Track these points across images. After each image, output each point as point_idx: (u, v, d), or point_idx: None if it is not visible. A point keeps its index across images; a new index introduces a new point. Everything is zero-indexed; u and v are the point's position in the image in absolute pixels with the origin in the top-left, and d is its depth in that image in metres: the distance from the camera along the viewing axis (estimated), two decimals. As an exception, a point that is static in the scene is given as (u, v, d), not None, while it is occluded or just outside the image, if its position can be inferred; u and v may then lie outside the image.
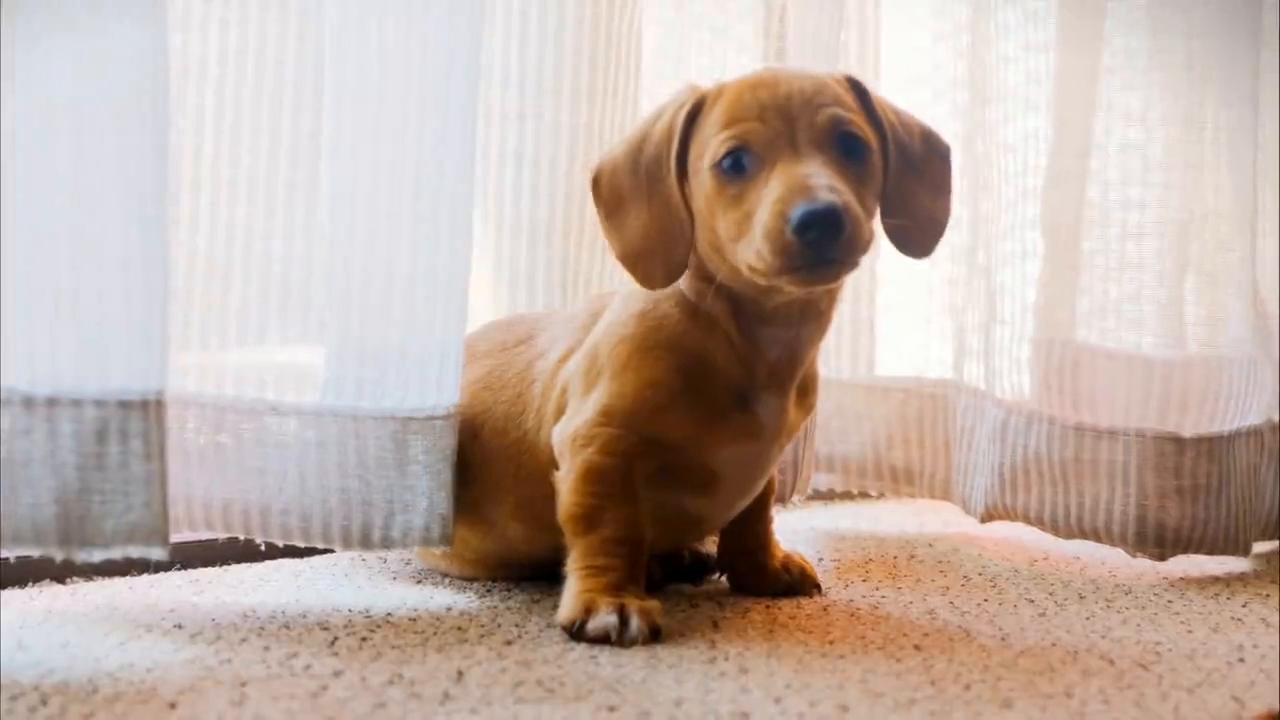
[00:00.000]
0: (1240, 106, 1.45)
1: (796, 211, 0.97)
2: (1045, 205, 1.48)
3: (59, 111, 0.95)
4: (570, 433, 1.09)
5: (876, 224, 1.08)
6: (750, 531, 1.22)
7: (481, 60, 1.16)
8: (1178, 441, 1.38)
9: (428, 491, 1.13)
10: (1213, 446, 1.39)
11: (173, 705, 0.85)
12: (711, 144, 1.04)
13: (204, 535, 1.19)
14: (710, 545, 1.29)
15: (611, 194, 1.10)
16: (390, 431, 1.12)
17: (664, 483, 1.11)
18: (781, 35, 1.50)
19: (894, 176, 1.09)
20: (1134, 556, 1.40)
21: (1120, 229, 1.46)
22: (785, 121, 1.02)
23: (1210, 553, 1.39)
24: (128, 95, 0.96)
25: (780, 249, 0.98)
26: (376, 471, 1.12)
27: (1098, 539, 1.41)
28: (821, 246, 0.97)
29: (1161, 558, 1.39)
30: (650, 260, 1.08)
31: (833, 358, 1.61)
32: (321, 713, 0.85)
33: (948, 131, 1.57)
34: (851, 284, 1.61)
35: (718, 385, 1.09)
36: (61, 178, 0.95)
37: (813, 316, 1.10)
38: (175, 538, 1.22)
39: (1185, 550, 1.38)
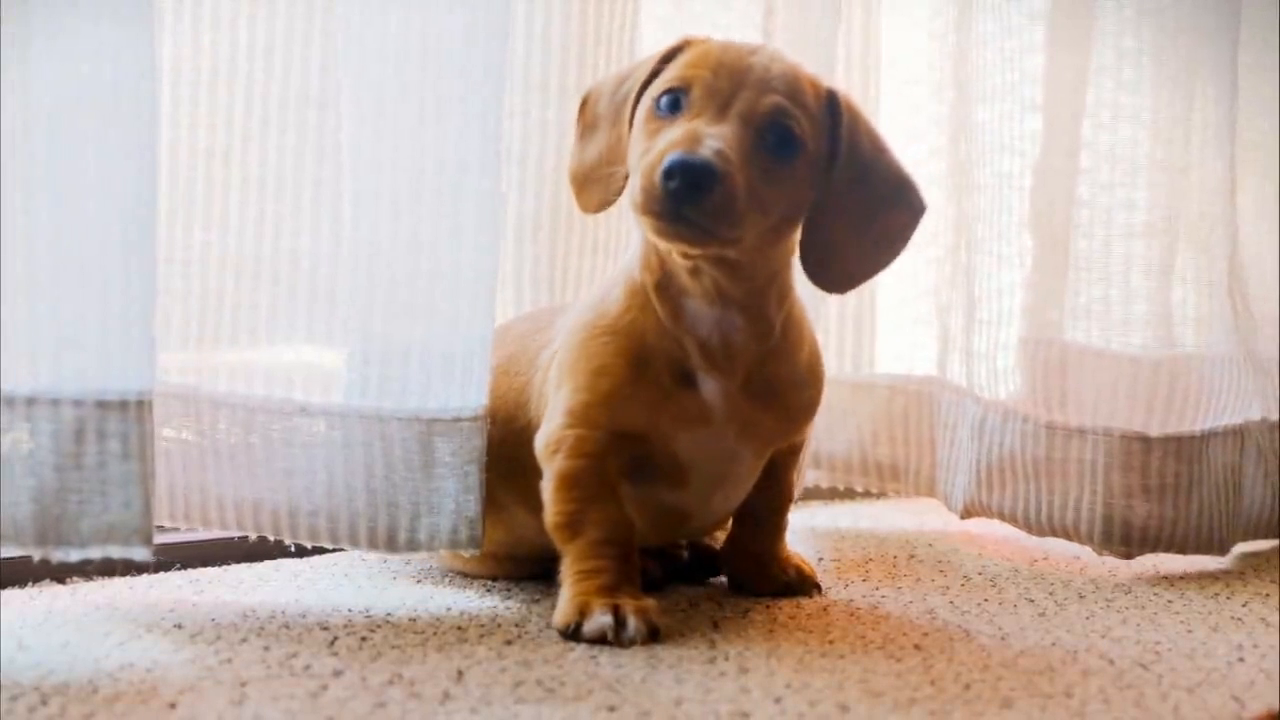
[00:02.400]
0: (1228, 104, 1.45)
1: (670, 157, 0.98)
2: (1033, 205, 1.48)
3: (39, 110, 0.94)
4: (545, 440, 1.10)
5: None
6: (761, 534, 1.22)
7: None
8: (1145, 440, 1.38)
9: (454, 494, 1.13)
10: (1181, 446, 1.38)
11: (173, 705, 0.85)
12: (660, 80, 1.06)
13: (229, 534, 1.20)
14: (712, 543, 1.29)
15: (591, 116, 1.13)
16: (415, 433, 1.12)
17: (639, 478, 1.11)
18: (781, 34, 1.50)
19: (832, 202, 1.07)
20: (1100, 555, 1.40)
21: (1105, 227, 1.45)
22: (732, 86, 1.03)
23: (1182, 552, 1.38)
24: (111, 93, 0.96)
25: (646, 188, 0.99)
26: (403, 474, 1.12)
27: (1067, 537, 1.41)
28: (679, 199, 0.97)
29: (1128, 556, 1.38)
30: (591, 185, 1.11)
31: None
32: (321, 713, 0.85)
33: (943, 131, 1.58)
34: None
35: (659, 363, 1.08)
36: (41, 177, 0.95)
37: (733, 303, 1.08)
38: (179, 537, 1.23)
39: (1154, 549, 1.38)
